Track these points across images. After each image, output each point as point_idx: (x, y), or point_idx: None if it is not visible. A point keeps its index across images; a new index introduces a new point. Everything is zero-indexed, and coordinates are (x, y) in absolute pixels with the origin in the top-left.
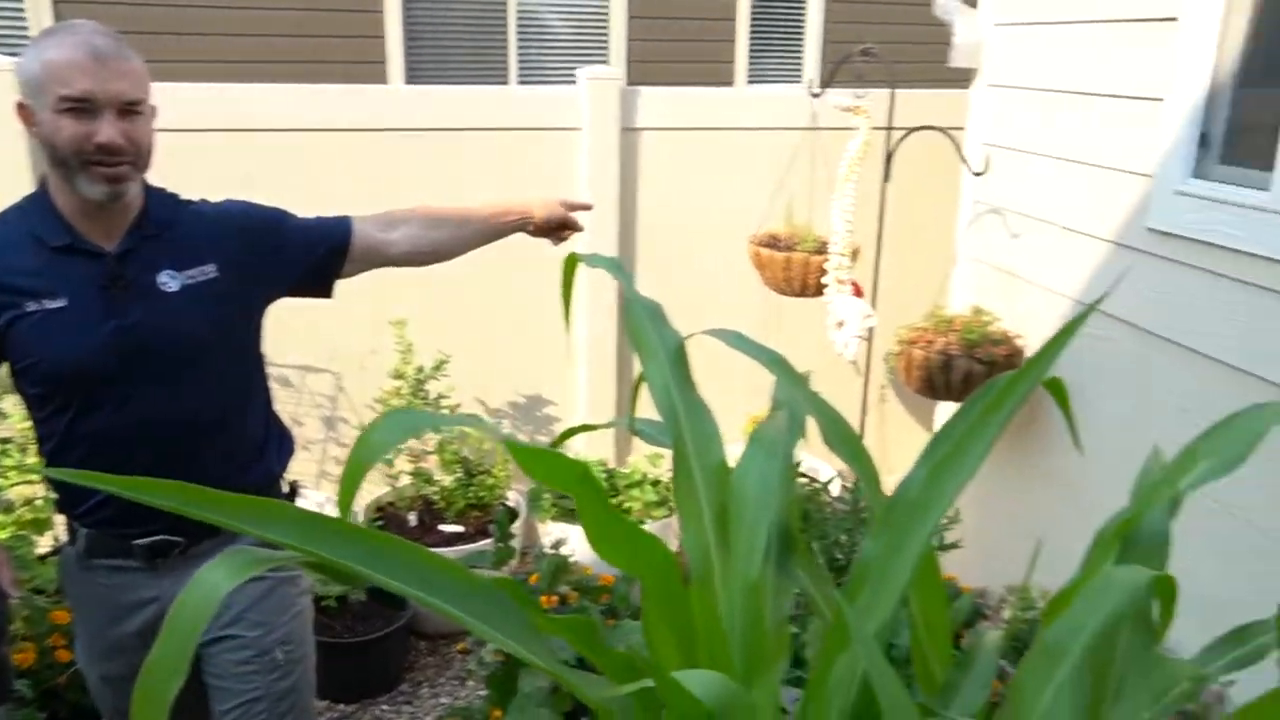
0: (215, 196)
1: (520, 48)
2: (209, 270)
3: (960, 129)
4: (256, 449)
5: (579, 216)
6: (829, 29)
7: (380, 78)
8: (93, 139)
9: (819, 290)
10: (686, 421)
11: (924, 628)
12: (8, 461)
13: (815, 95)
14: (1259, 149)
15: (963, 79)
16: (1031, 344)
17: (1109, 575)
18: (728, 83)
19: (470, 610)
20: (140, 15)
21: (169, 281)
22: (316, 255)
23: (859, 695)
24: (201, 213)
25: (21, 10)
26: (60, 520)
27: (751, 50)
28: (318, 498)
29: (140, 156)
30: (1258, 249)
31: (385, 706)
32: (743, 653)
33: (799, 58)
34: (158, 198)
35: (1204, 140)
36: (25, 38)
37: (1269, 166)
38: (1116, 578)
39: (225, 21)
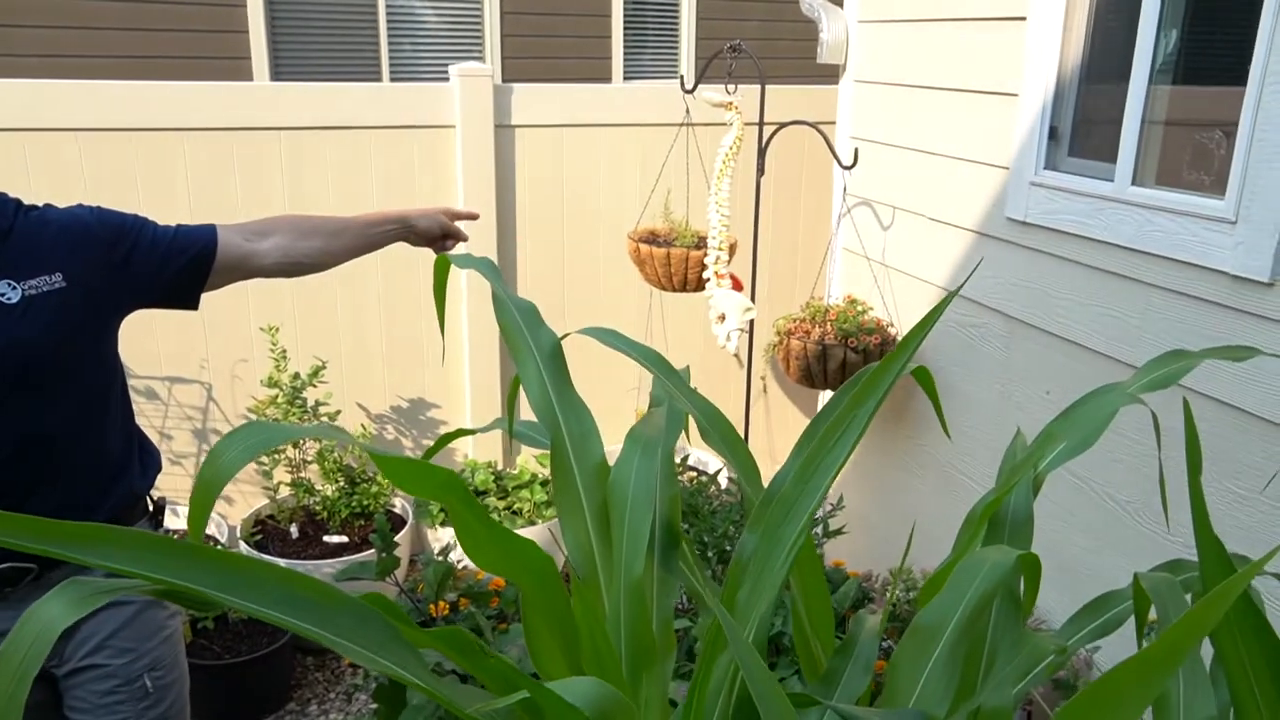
0: (63, 203)
1: (392, 44)
2: (55, 280)
3: (832, 123)
4: (117, 467)
5: (465, 225)
6: (702, 26)
7: (244, 74)
8: None
9: (699, 285)
10: (564, 421)
11: (807, 616)
12: None
13: (688, 91)
14: (1103, 142)
15: (833, 75)
16: (904, 332)
17: (977, 556)
18: (605, 79)
19: (338, 629)
20: None
21: (8, 292)
22: (178, 266)
23: (742, 691)
24: (46, 219)
25: None
26: None
27: (627, 47)
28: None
29: None
30: (1105, 236)
31: None
32: (629, 652)
33: (674, 54)
34: None
35: (1054, 134)
36: None
37: (1113, 158)
38: (984, 558)
39: (78, 13)
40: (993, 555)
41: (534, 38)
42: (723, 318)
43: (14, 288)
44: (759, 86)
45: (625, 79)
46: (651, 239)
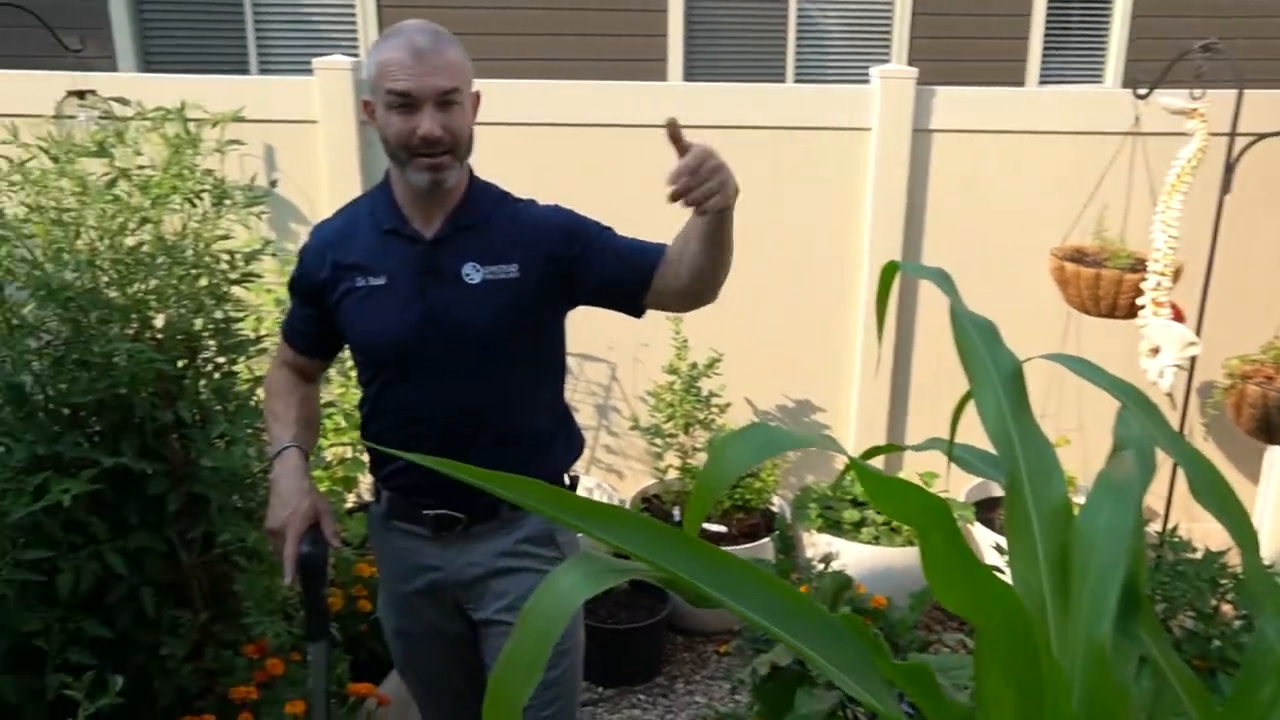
0: (508, 189)
1: (799, 46)
2: (510, 270)
3: None
4: (541, 444)
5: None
6: (1137, 24)
7: (659, 75)
8: (416, 132)
9: (1130, 311)
10: (1023, 453)
11: None
12: (328, 424)
13: (1141, 96)
14: None
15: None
16: None
17: None
18: (1017, 83)
19: (815, 644)
20: (439, 18)
21: (472, 273)
22: (618, 278)
23: None
24: (519, 214)
25: (352, 13)
26: (365, 480)
27: (1045, 48)
28: (587, 483)
29: (458, 145)
30: None
31: (642, 696)
32: (1086, 718)
33: (1100, 56)
34: (482, 191)
35: None
36: (355, 39)
37: None
38: None
39: (510, 21)
40: None
41: (943, 39)
42: (1156, 350)
43: (477, 270)
44: (1232, 92)
45: (1041, 82)
46: (1079, 257)
